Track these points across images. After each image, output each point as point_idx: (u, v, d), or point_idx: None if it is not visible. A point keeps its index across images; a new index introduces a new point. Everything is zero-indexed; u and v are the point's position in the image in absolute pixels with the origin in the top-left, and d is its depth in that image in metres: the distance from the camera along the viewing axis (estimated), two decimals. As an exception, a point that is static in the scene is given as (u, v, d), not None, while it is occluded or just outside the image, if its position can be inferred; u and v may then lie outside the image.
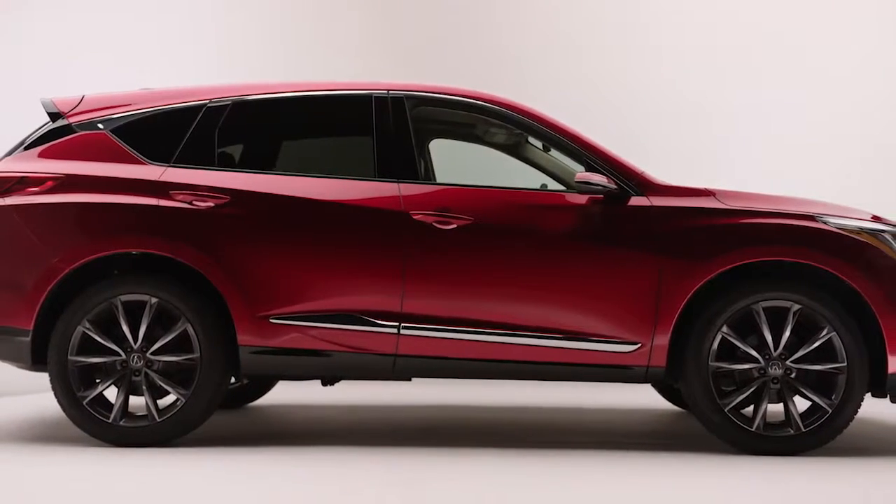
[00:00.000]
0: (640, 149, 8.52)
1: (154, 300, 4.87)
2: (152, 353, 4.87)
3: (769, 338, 4.79)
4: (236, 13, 9.22)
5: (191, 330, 4.87)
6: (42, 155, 5.10)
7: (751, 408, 4.94)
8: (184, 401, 4.86)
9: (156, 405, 4.89)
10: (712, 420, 4.83)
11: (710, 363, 4.80)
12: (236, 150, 5.25)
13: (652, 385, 6.38)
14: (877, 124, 8.67)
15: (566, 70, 9.08)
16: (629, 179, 4.94)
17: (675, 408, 6.49)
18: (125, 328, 4.87)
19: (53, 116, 5.20)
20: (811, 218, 4.87)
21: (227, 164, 5.12)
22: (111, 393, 4.93)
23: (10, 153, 5.19)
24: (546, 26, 9.23)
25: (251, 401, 6.62)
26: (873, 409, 5.71)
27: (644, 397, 6.85)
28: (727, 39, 8.93)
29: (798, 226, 4.85)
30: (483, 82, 8.43)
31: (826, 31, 8.83)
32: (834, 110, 8.72)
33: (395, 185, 4.96)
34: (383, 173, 5.00)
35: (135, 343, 4.87)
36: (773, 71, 8.86)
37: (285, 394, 7.08)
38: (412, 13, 9.38)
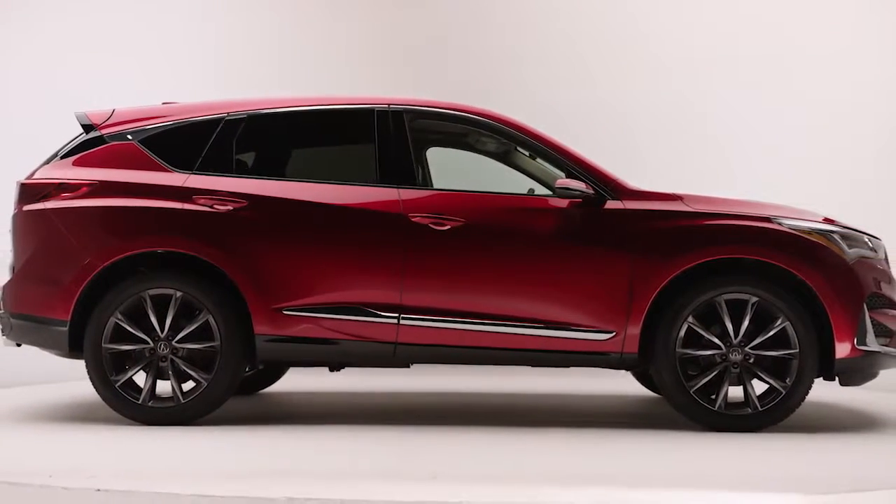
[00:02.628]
0: (639, 153, 8.95)
1: (179, 294, 5.36)
2: (177, 342, 5.36)
3: (730, 327, 5.27)
4: (235, 17, 9.54)
5: (212, 321, 5.35)
6: (77, 163, 5.59)
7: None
8: (205, 384, 5.35)
9: (180, 388, 5.38)
10: (680, 401, 5.33)
11: (677, 350, 5.29)
12: (252, 159, 5.74)
13: (631, 373, 6.92)
14: (874, 131, 8.97)
15: (565, 74, 9.38)
16: (605, 185, 5.45)
17: (652, 394, 7.00)
18: (153, 319, 5.36)
19: (87, 128, 5.70)
20: (768, 220, 5.37)
21: (243, 171, 5.62)
22: (140, 377, 5.43)
23: (47, 162, 5.70)
24: (545, 31, 9.49)
25: (263, 388, 7.11)
26: (822, 391, 6.19)
27: (624, 385, 7.36)
28: (726, 46, 9.21)
29: (756, 227, 5.35)
30: (483, 85, 8.86)
31: (825, 39, 9.10)
32: (830, 117, 9.01)
33: (395, 189, 5.47)
34: (384, 179, 5.49)
35: (162, 332, 5.36)
36: (771, 77, 9.15)
37: (294, 382, 7.55)
38: (413, 21, 9.64)
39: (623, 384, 7.39)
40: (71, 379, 7.09)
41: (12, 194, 5.74)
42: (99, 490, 3.67)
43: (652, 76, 9.37)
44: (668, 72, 9.35)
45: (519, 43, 9.56)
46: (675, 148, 9.24)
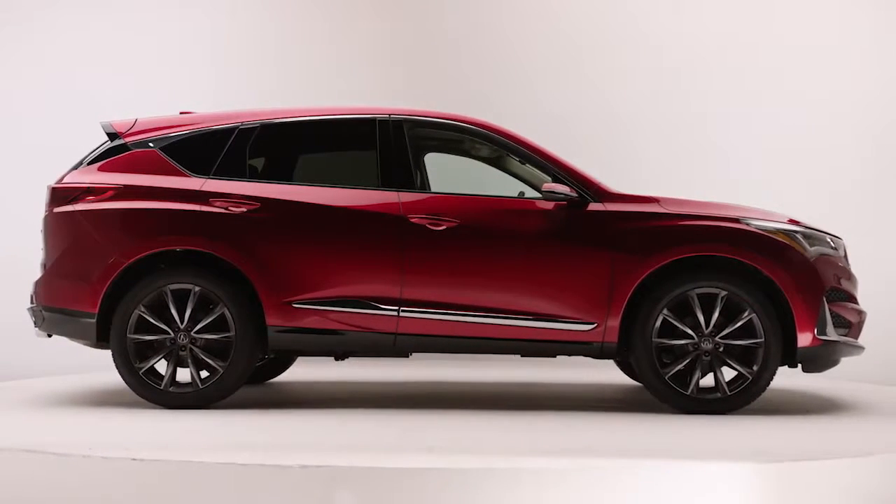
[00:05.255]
0: (637, 153, 9.23)
1: (197, 288, 5.79)
2: (195, 332, 5.80)
3: (702, 318, 5.70)
4: (238, 25, 9.92)
5: (227, 313, 5.78)
6: (102, 169, 6.04)
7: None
8: (221, 371, 5.79)
9: (199, 375, 5.83)
10: (656, 386, 5.77)
11: (653, 339, 5.72)
12: (264, 164, 6.19)
13: (615, 363, 7.39)
14: (873, 132, 9.28)
15: (564, 77, 9.70)
16: (588, 189, 5.91)
17: (633, 382, 7.39)
18: (173, 312, 5.80)
19: (111, 136, 6.16)
20: (737, 220, 5.82)
21: (256, 175, 6.06)
22: (162, 365, 5.88)
23: (75, 167, 6.15)
24: (545, 34, 9.79)
25: (272, 377, 7.54)
26: (787, 378, 6.66)
27: (608, 376, 7.80)
28: (726, 48, 9.53)
29: (726, 227, 5.79)
30: (483, 88, 9.16)
31: (824, 41, 9.41)
32: (829, 119, 9.34)
33: (396, 193, 5.91)
34: (385, 183, 5.94)
35: (181, 324, 5.81)
36: (769, 80, 9.47)
37: (300, 373, 7.95)
38: (413, 26, 9.97)
39: (607, 375, 7.82)
40: (98, 368, 7.59)
41: (35, 197, 6.22)
42: (134, 459, 4.13)
43: (651, 78, 9.65)
44: (667, 74, 9.64)
45: (518, 46, 9.83)
46: (674, 149, 9.53)
